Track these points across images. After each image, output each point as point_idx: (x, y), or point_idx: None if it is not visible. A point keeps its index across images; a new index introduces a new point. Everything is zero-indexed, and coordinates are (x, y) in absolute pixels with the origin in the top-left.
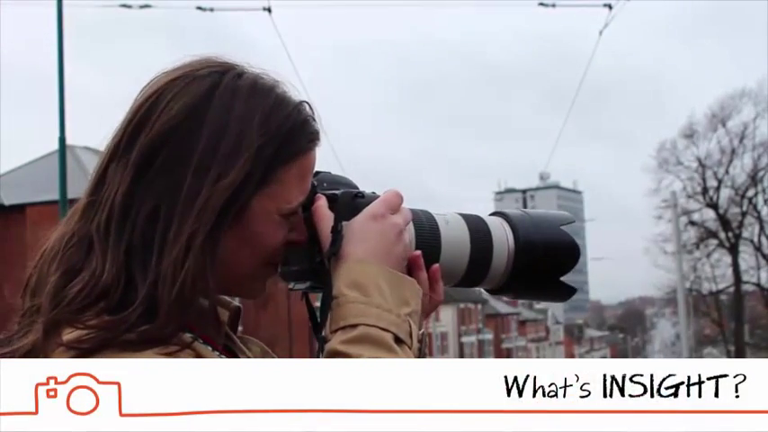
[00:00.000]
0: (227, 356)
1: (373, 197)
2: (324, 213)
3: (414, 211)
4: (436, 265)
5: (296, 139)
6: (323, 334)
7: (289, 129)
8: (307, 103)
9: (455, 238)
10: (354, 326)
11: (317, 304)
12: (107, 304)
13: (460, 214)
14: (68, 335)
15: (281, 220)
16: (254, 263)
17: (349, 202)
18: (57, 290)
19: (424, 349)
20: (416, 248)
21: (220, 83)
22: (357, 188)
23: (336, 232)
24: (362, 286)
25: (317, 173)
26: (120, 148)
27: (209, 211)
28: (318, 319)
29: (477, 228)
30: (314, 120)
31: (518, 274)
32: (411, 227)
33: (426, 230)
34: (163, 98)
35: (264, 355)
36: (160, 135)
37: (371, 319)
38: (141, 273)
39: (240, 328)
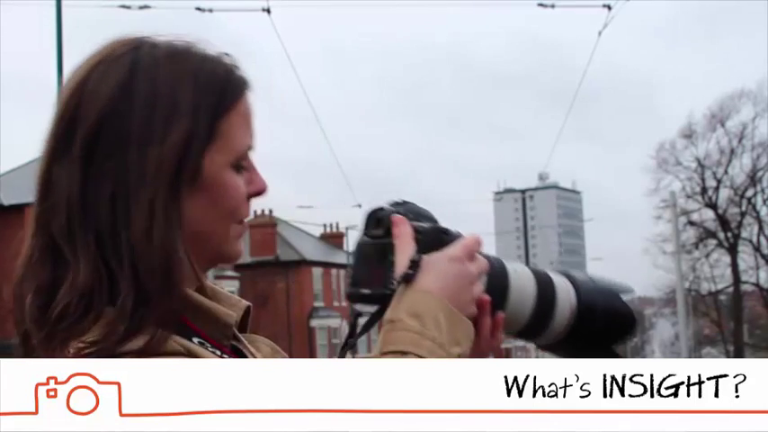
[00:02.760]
0: (234, 357)
1: (456, 236)
2: (407, 242)
3: (488, 258)
4: (501, 314)
5: (228, 90)
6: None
7: (218, 81)
8: (227, 54)
9: (522, 289)
10: (404, 353)
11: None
12: (96, 314)
13: (529, 267)
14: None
15: (236, 172)
16: (223, 224)
17: (435, 236)
18: (39, 312)
19: None
20: (485, 293)
21: (139, 57)
22: (438, 223)
23: (414, 262)
24: (422, 317)
25: (405, 202)
26: (59, 148)
27: (162, 175)
28: (356, 332)
29: (543, 283)
30: (237, 68)
31: (573, 336)
32: (483, 277)
33: (496, 277)
34: (87, 87)
35: (274, 354)
36: (96, 122)
37: (423, 352)
38: (116, 259)
39: None
